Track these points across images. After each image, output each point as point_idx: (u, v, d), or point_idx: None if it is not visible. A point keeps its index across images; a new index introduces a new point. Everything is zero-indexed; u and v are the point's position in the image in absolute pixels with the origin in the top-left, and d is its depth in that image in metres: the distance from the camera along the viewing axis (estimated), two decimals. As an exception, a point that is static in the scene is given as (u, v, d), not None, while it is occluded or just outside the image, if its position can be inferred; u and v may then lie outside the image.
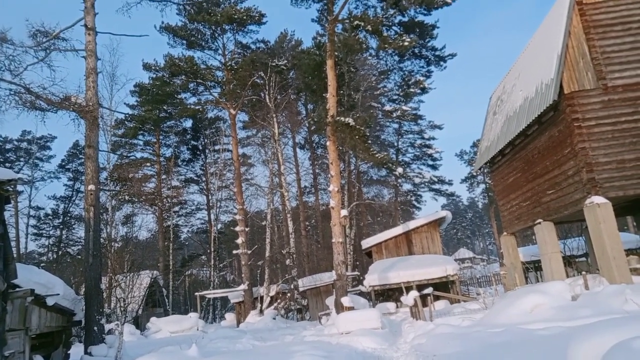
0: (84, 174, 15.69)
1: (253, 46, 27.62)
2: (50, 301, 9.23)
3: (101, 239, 19.15)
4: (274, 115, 25.60)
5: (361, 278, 25.10)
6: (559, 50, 11.66)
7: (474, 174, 48.69)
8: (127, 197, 30.54)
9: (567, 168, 12.03)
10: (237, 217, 25.02)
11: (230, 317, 26.40)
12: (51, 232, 41.21)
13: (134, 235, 32.08)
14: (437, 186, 39.93)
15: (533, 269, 21.52)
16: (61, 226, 40.75)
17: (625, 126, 11.27)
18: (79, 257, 32.67)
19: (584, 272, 11.70)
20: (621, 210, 13.94)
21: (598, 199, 10.84)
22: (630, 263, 11.73)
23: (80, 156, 37.19)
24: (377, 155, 20.36)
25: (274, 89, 25.80)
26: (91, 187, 14.99)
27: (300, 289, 24.08)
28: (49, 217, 40.97)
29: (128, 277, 24.42)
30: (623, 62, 11.60)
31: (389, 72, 28.66)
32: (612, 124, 11.33)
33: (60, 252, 39.98)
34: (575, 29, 11.93)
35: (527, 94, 13.68)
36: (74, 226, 41.53)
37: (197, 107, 30.67)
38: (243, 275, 24.54)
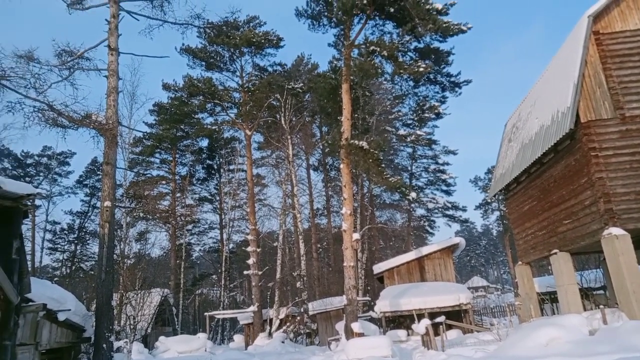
0: (101, 190, 15.97)
1: (270, 69, 28.14)
2: (61, 316, 9.29)
3: (114, 256, 19.31)
4: (289, 137, 25.85)
5: (372, 303, 24.74)
6: (575, 79, 11.62)
7: (489, 200, 48.12)
8: (141, 214, 30.87)
9: (583, 198, 11.84)
10: (249, 237, 25.04)
11: (238, 338, 26.14)
12: (66, 247, 41.68)
13: (147, 252, 32.25)
14: (450, 212, 39.54)
15: (549, 301, 20.98)
16: (76, 241, 41.21)
17: (644, 157, 11.10)
18: (92, 272, 32.90)
19: (602, 306, 11.37)
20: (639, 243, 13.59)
21: (616, 231, 10.60)
22: (650, 297, 11.34)
23: (98, 172, 37.85)
24: (390, 179, 20.29)
25: (290, 111, 26.12)
26: (107, 203, 15.23)
27: (310, 313, 23.80)
28: (65, 231, 41.50)
29: (139, 295, 24.44)
30: (641, 93, 11.50)
31: (404, 97, 28.81)
32: (631, 154, 11.17)
33: (73, 267, 40.31)
34: (592, 58, 11.92)
35: (543, 121, 13.60)
36: (88, 241, 41.97)
37: (213, 127, 31.14)
38: (253, 296, 24.39)
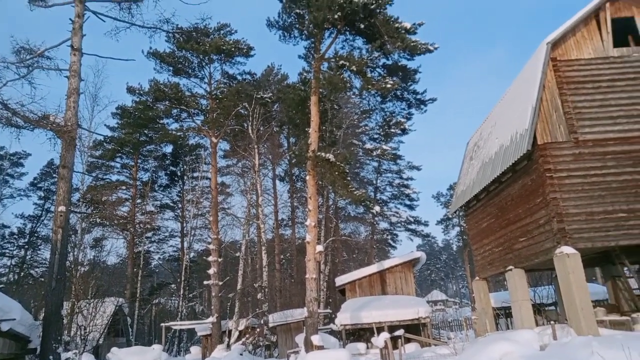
0: (56, 194, 15.31)
1: (239, 77, 27.90)
2: (4, 326, 8.77)
3: (67, 262, 18.46)
4: (256, 146, 25.67)
5: (333, 316, 24.66)
6: (533, 103, 12.14)
7: (450, 216, 49.27)
8: (98, 220, 29.74)
9: (538, 217, 12.31)
10: (211, 246, 24.53)
11: (195, 350, 25.41)
12: (15, 252, 39.55)
13: (102, 259, 31.03)
14: (413, 226, 40.23)
15: (504, 316, 21.61)
16: (26, 246, 39.19)
17: (595, 179, 11.68)
18: (42, 279, 31.32)
19: (552, 322, 11.78)
20: (589, 261, 14.23)
21: (567, 249, 11.06)
22: (597, 315, 11.87)
23: (54, 175, 36.29)
24: (355, 193, 20.43)
25: (258, 121, 25.96)
26: (61, 208, 14.60)
27: (270, 325, 23.48)
28: (14, 236, 39.42)
29: (91, 304, 23.42)
30: (593, 118, 12.14)
31: (371, 112, 29.28)
32: (582, 177, 11.73)
33: (22, 274, 38.25)
34: (550, 84, 12.50)
35: (503, 142, 14.11)
36: (40, 247, 40.00)
37: (178, 133, 30.51)
38: (212, 307, 23.83)
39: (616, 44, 12.82)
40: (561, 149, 11.93)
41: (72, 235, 27.63)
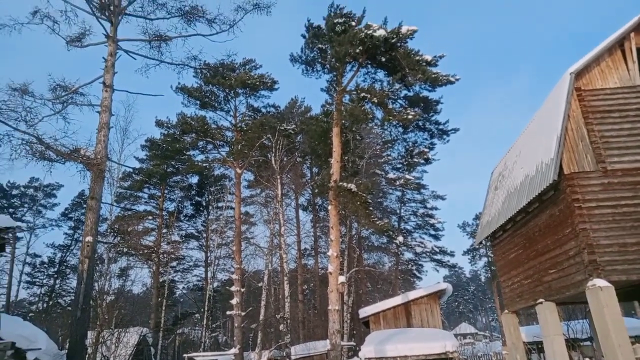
0: (84, 224, 15.72)
1: (264, 110, 28.63)
2: (30, 356, 8.93)
3: (93, 292, 18.73)
4: (278, 176, 25.97)
5: (357, 349, 24.11)
6: (558, 132, 11.97)
7: (476, 247, 48.15)
8: (125, 250, 30.27)
9: (568, 248, 11.92)
10: (234, 276, 24.59)
11: (218, 382, 25.15)
12: (44, 281, 40.48)
13: (128, 289, 31.40)
14: (438, 257, 39.39)
15: (536, 350, 20.66)
16: (55, 275, 40.10)
17: (626, 210, 11.29)
18: (69, 308, 31.83)
19: (587, 358, 11.23)
20: (626, 294, 13.60)
21: (600, 282, 10.61)
22: (636, 352, 11.26)
23: (84, 206, 37.37)
24: (377, 223, 20.34)
25: (281, 152, 26.38)
26: (89, 238, 14.96)
27: (293, 357, 23.13)
28: (45, 265, 40.44)
29: (115, 334, 23.58)
30: (622, 147, 11.85)
31: (393, 142, 29.31)
32: (613, 207, 11.36)
33: (51, 302, 39.00)
34: (574, 113, 12.33)
35: (528, 171, 13.87)
36: (68, 276, 40.87)
37: (204, 164, 31.22)
38: (235, 337, 23.69)
39: (643, 73, 12.62)
40: (589, 179, 11.63)
41: (100, 264, 28.18)
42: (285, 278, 26.65)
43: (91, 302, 19.46)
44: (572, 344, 17.13)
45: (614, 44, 12.79)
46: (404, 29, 16.10)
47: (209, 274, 35.58)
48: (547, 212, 12.96)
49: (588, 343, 18.67)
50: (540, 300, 13.61)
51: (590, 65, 12.66)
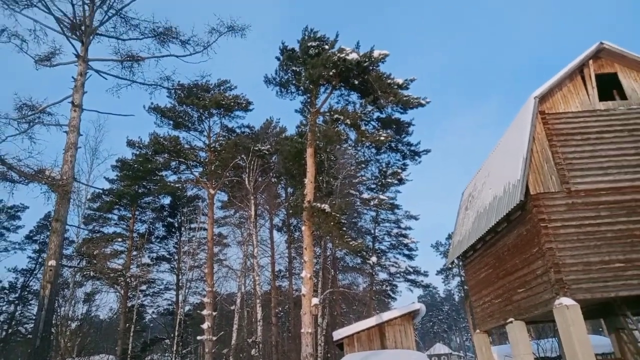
0: (47, 248, 15.14)
1: (238, 130, 28.55)
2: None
3: (56, 319, 17.90)
4: (252, 197, 25.79)
5: (331, 373, 23.74)
6: (524, 154, 12.37)
7: (449, 266, 48.65)
8: (91, 274, 29.21)
9: (535, 267, 12.19)
10: (205, 299, 24.03)
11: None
12: (4, 308, 38.51)
13: (93, 314, 30.17)
14: (412, 277, 39.56)
15: (508, 370, 20.80)
16: (16, 301, 38.22)
17: (589, 229, 11.67)
18: (30, 337, 30.28)
19: (557, 378, 11.37)
20: (591, 312, 13.92)
21: (567, 301, 10.86)
22: (603, 369, 11.48)
23: (50, 228, 36.04)
24: (351, 243, 20.29)
25: (255, 172, 26.27)
26: (52, 262, 14.38)
27: (266, 383, 22.55)
28: (5, 290, 38.54)
29: (78, 363, 22.55)
30: (584, 169, 12.32)
31: (367, 163, 29.70)
32: (577, 226, 11.73)
33: (10, 331, 37.05)
34: (539, 135, 12.80)
35: (496, 192, 14.22)
36: (30, 302, 38.99)
37: (176, 185, 30.73)
38: (206, 364, 22.98)
39: (602, 98, 13.27)
40: (554, 199, 12.01)
41: (64, 289, 27.05)
42: (258, 301, 26.20)
43: (53, 329, 18.60)
44: (542, 362, 17.35)
45: (574, 70, 13.43)
46: (375, 53, 16.49)
47: (180, 298, 34.61)
48: (515, 232, 13.27)
49: (558, 361, 18.95)
50: (511, 319, 13.81)
51: (553, 89, 13.23)
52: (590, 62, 13.49)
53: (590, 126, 12.86)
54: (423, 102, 17.18)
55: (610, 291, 11.18)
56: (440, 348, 66.78)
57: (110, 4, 15.82)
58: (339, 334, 24.48)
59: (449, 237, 47.98)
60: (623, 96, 13.37)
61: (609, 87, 13.63)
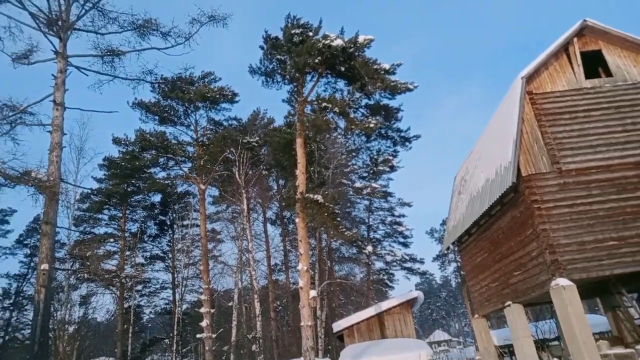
0: (39, 251, 14.86)
1: (225, 123, 28.13)
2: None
3: (52, 323, 17.65)
4: (244, 190, 25.51)
5: (332, 364, 23.72)
6: (514, 135, 12.21)
7: (445, 252, 48.76)
8: (86, 276, 28.91)
9: (530, 249, 12.08)
10: (203, 297, 23.81)
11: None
12: (-1, 314, 38.14)
13: (90, 317, 29.93)
14: (409, 264, 39.55)
15: (508, 354, 20.85)
16: (11, 307, 37.84)
17: (582, 208, 11.56)
18: (28, 342, 30.00)
19: (556, 358, 11.32)
20: (588, 292, 13.90)
21: (563, 281, 10.77)
22: (600, 348, 11.45)
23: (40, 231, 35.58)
24: (346, 233, 20.19)
25: (245, 165, 25.96)
26: (44, 266, 14.12)
27: (266, 377, 22.48)
28: (-1, 297, 38.16)
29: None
30: (574, 148, 12.19)
31: (358, 151, 29.49)
32: (569, 206, 11.61)
33: (7, 337, 36.71)
34: (528, 116, 12.63)
35: (488, 175, 14.07)
36: (26, 307, 38.62)
37: (166, 182, 30.35)
38: (205, 361, 22.84)
39: (588, 76, 13.11)
40: (546, 180, 11.88)
41: (60, 293, 26.73)
42: (256, 296, 26.05)
43: (50, 334, 18.35)
44: (541, 345, 17.34)
45: (559, 48, 13.25)
46: (360, 39, 16.20)
47: (177, 296, 34.39)
48: (508, 215, 13.15)
49: (556, 343, 18.96)
50: (508, 302, 13.73)
51: (540, 69, 13.05)
52: (575, 39, 13.30)
53: (577, 105, 12.71)
54: (411, 86, 16.95)
55: (605, 269, 11.10)
56: (439, 335, 67.31)
57: (87, -3, 15.41)
58: (338, 325, 24.43)
59: (444, 222, 48.04)
60: (609, 73, 13.22)
61: (594, 64, 13.47)
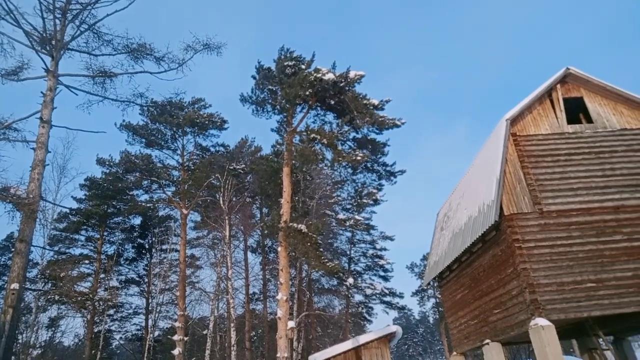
0: (10, 270, 14.38)
1: (213, 149, 28.17)
2: None
3: (16, 346, 16.90)
4: (227, 217, 25.32)
5: (307, 398, 23.10)
6: (497, 175, 12.55)
7: (424, 288, 48.69)
8: (57, 297, 27.92)
9: (511, 288, 12.24)
10: (177, 324, 23.19)
11: None
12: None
13: (57, 341, 28.72)
14: (388, 298, 39.34)
15: (485, 393, 20.67)
16: (-26, 328, 36.02)
17: (562, 249, 11.83)
18: (-13, 365, 28.49)
19: (534, 399, 11.30)
20: (564, 333, 14.04)
21: (542, 321, 10.88)
22: (578, 390, 11.48)
23: (13, 249, 34.40)
24: (328, 264, 20.04)
25: (230, 192, 25.86)
26: (14, 285, 13.64)
27: (239, 411, 21.74)
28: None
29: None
30: (555, 190, 12.58)
31: (343, 183, 29.74)
32: (550, 247, 11.87)
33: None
34: (511, 157, 13.04)
35: (471, 212, 14.34)
36: (-11, 328, 36.82)
37: (148, 205, 29.93)
38: (176, 392, 22.03)
39: (570, 121, 13.69)
40: (527, 220, 12.17)
41: (27, 314, 25.71)
42: (232, 324, 25.48)
43: (14, 357, 17.51)
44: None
45: (543, 93, 13.86)
46: (351, 74, 16.66)
47: (150, 322, 33.34)
48: (490, 252, 13.35)
49: (533, 382, 18.93)
50: (487, 340, 13.76)
51: (524, 112, 13.58)
52: (558, 86, 13.95)
53: (559, 148, 13.20)
54: (398, 122, 17.37)
55: (582, 311, 11.28)
56: (416, 371, 66.20)
57: (83, 18, 15.57)
58: (315, 358, 23.91)
59: (424, 258, 48.20)
60: (589, 120, 13.84)
61: (576, 110, 14.10)
